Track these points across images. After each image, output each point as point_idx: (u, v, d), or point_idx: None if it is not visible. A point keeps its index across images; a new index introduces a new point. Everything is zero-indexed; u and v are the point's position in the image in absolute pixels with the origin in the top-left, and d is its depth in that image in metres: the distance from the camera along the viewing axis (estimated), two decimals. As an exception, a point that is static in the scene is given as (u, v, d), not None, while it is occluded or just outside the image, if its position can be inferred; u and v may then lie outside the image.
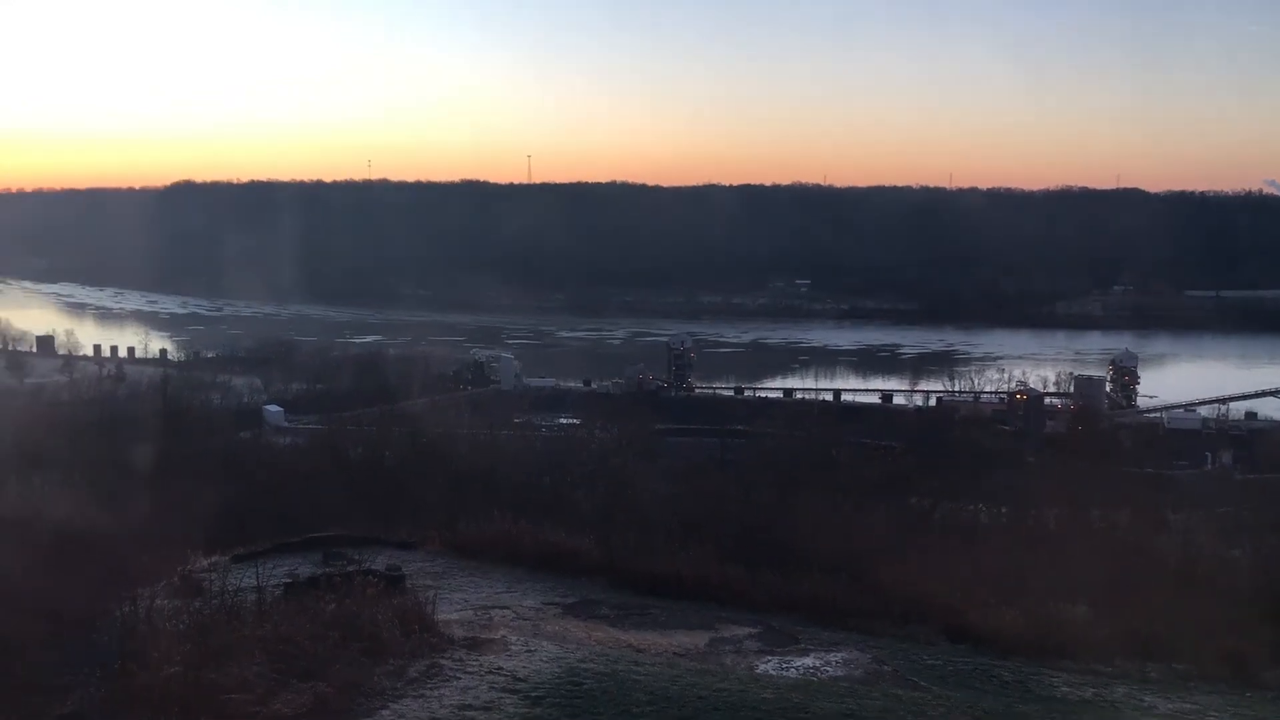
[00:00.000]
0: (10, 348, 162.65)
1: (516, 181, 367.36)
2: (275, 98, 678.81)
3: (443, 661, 13.79)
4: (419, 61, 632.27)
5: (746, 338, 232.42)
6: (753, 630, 19.50)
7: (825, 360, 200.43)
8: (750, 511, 43.12)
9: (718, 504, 46.32)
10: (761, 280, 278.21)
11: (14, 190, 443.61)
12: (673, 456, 78.78)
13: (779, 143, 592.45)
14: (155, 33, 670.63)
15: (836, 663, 17.37)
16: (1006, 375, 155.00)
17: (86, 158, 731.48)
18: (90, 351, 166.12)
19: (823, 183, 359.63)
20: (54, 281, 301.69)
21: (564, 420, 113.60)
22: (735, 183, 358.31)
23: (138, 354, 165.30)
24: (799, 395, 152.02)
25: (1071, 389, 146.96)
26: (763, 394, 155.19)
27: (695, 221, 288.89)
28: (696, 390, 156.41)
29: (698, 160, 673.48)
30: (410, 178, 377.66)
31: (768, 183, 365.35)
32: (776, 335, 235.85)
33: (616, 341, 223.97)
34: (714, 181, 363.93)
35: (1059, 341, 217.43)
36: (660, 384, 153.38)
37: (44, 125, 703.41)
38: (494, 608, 19.22)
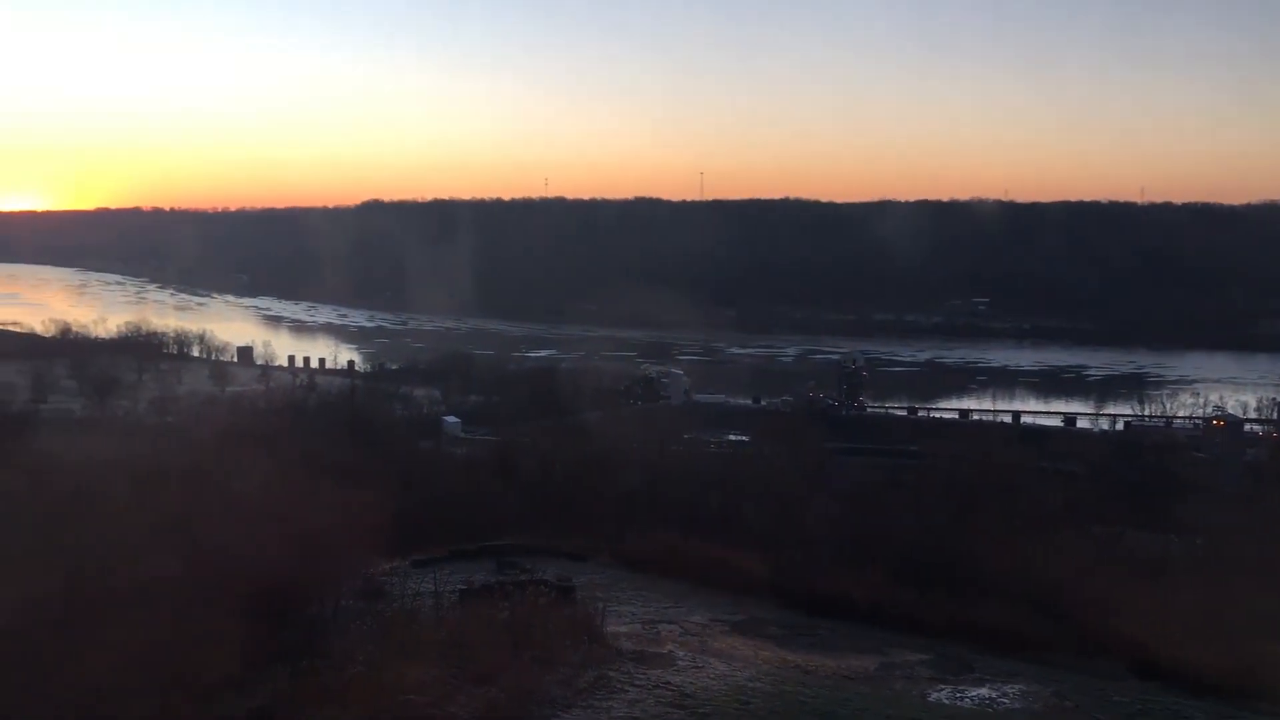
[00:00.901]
0: (214, 358, 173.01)
1: (689, 199, 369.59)
2: (457, 120, 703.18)
3: (611, 673, 13.95)
4: (595, 82, 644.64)
5: (922, 357, 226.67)
6: (924, 656, 18.98)
7: (1005, 381, 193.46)
8: (923, 535, 41.94)
9: (889, 526, 45.22)
10: (937, 298, 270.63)
11: (219, 209, 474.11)
12: (843, 476, 77.32)
13: (959, 156, 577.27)
14: (349, 64, 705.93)
15: (1014, 694, 16.73)
16: (1202, 400, 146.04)
17: (285, 178, 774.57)
18: (285, 362, 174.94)
19: (1004, 197, 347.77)
20: (254, 295, 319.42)
21: (732, 437, 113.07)
22: (911, 198, 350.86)
23: (328, 365, 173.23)
24: (976, 417, 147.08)
25: (1275, 415, 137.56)
26: (937, 414, 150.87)
27: (870, 238, 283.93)
28: (868, 409, 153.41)
29: (872, 176, 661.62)
30: (586, 195, 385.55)
31: (945, 198, 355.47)
32: (953, 355, 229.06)
33: (787, 359, 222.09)
34: (889, 197, 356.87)
35: (1262, 365, 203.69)
36: (831, 402, 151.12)
37: (247, 149, 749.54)
38: (661, 622, 19.30)
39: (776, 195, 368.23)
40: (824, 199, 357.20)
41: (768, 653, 17.47)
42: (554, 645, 14.17)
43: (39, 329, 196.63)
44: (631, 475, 62.12)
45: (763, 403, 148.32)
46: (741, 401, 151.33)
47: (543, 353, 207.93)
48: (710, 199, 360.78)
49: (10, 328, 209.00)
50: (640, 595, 22.38)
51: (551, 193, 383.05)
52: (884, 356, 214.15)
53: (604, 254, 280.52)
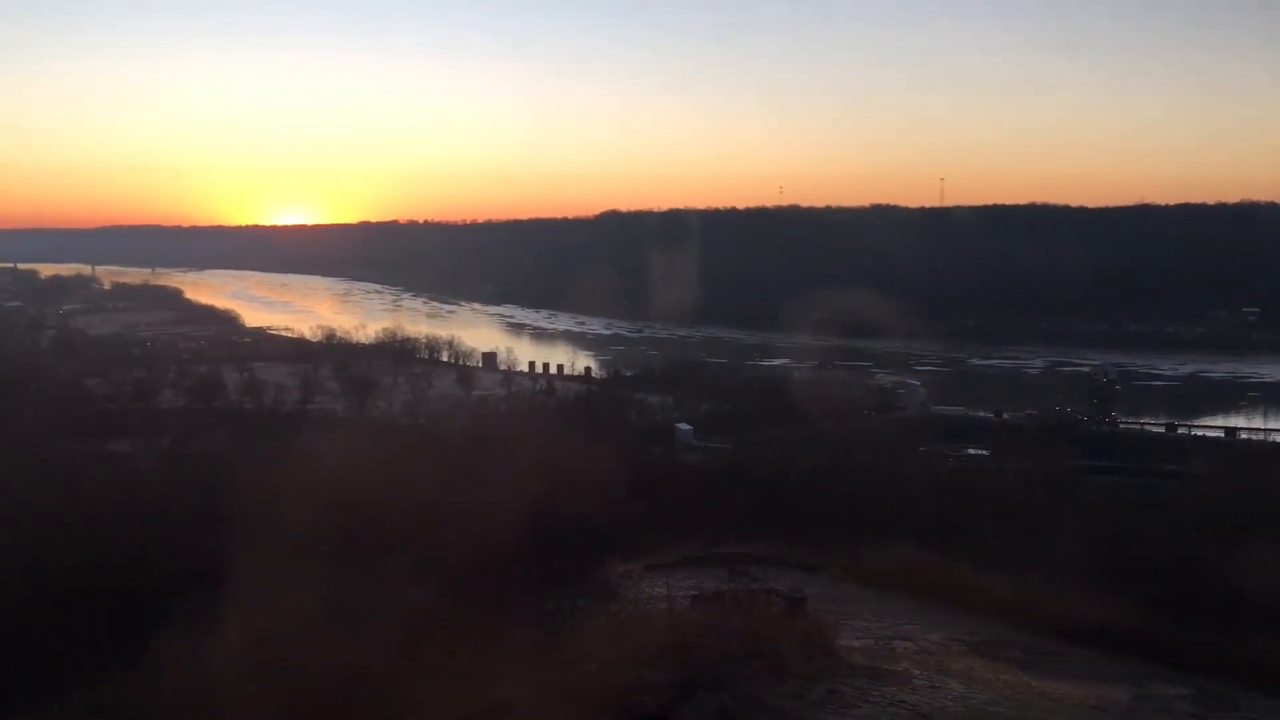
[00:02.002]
0: (461, 363, 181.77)
1: (928, 205, 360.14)
2: (692, 130, 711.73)
3: (843, 688, 13.66)
4: (833, 89, 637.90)
5: (1183, 370, 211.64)
6: (1184, 691, 17.64)
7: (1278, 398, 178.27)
8: (1183, 560, 39.12)
9: (1144, 549, 42.42)
10: (1200, 307, 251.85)
11: (468, 221, 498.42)
12: (1092, 495, 73.29)
13: (1229, 155, 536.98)
14: (588, 81, 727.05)
15: (1285, 738, 15.35)
16: None
17: (529, 191, 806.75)
18: (526, 367, 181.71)
19: (1278, 200, 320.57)
20: (498, 303, 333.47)
21: (972, 451, 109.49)
22: (1172, 201, 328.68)
23: (566, 371, 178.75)
24: (1244, 435, 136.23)
25: None
26: (1200, 432, 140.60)
27: (1124, 244, 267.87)
28: (1120, 425, 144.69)
29: (1129, 178, 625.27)
30: (820, 203, 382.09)
31: (1210, 200, 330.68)
32: (1219, 368, 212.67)
33: (1033, 371, 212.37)
34: (1147, 200, 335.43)
35: None
36: (1080, 417, 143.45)
37: (494, 164, 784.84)
38: (895, 638, 18.78)
39: (1021, 201, 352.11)
40: (1074, 204, 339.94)
41: (1009, 676, 16.65)
42: (785, 656, 13.99)
43: (307, 334, 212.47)
44: (866, 487, 61.02)
45: (1005, 416, 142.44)
46: (982, 414, 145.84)
47: (776, 361, 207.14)
48: (951, 205, 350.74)
49: (283, 333, 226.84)
50: (874, 610, 21.82)
51: (786, 201, 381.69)
52: (1140, 370, 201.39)
53: (839, 262, 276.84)
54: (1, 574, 36.79)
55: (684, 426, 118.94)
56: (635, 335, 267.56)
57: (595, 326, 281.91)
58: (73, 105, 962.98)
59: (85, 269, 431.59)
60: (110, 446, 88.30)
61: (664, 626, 14.52)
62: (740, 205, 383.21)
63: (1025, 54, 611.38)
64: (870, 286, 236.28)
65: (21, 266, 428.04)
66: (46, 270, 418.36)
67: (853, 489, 59.47)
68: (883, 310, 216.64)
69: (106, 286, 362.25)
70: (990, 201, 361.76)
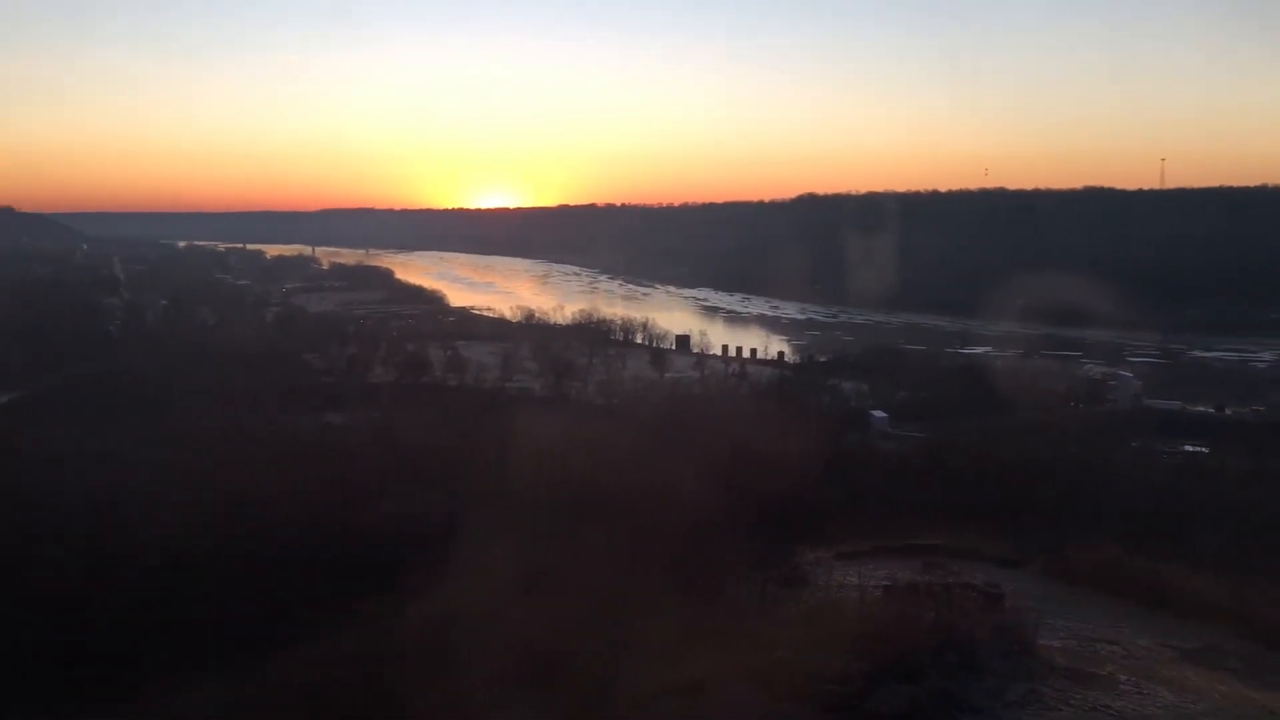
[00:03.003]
0: (654, 345, 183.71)
1: (1147, 187, 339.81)
2: (891, 112, 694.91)
3: (1043, 689, 13.21)
4: (1038, 63, 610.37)
5: None
6: None
7: None
8: None
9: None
10: None
11: (664, 204, 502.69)
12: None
13: None
14: (777, 63, 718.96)
15: None
16: None
17: (725, 174, 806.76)
18: (719, 351, 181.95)
19: None
20: (693, 286, 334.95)
21: (1189, 448, 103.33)
22: None
23: (759, 355, 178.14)
24: None
25: None
26: None
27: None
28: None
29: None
30: (1028, 185, 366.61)
31: None
32: None
33: (1261, 364, 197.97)
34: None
35: None
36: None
37: (689, 147, 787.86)
38: (1101, 641, 17.98)
39: (1251, 183, 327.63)
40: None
41: (1225, 687, 15.70)
42: (981, 652, 13.62)
43: (508, 314, 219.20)
44: (1072, 481, 58.60)
45: (1228, 411, 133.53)
46: (1202, 409, 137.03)
47: (977, 349, 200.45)
48: (1172, 188, 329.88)
49: (485, 313, 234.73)
50: (1077, 610, 20.90)
51: (991, 183, 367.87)
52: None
53: (1047, 247, 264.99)
54: (229, 537, 39.69)
55: (879, 413, 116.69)
56: (830, 320, 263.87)
57: (790, 311, 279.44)
58: (295, 98, 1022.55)
59: (306, 250, 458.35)
60: (326, 418, 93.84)
61: (855, 616, 14.37)
62: (942, 188, 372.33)
63: (1252, 28, 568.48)
64: (1081, 273, 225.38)
65: (250, 247, 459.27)
66: (272, 251, 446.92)
67: (1057, 483, 57.25)
68: (1095, 298, 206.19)
69: (324, 266, 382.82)
70: (1215, 183, 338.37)
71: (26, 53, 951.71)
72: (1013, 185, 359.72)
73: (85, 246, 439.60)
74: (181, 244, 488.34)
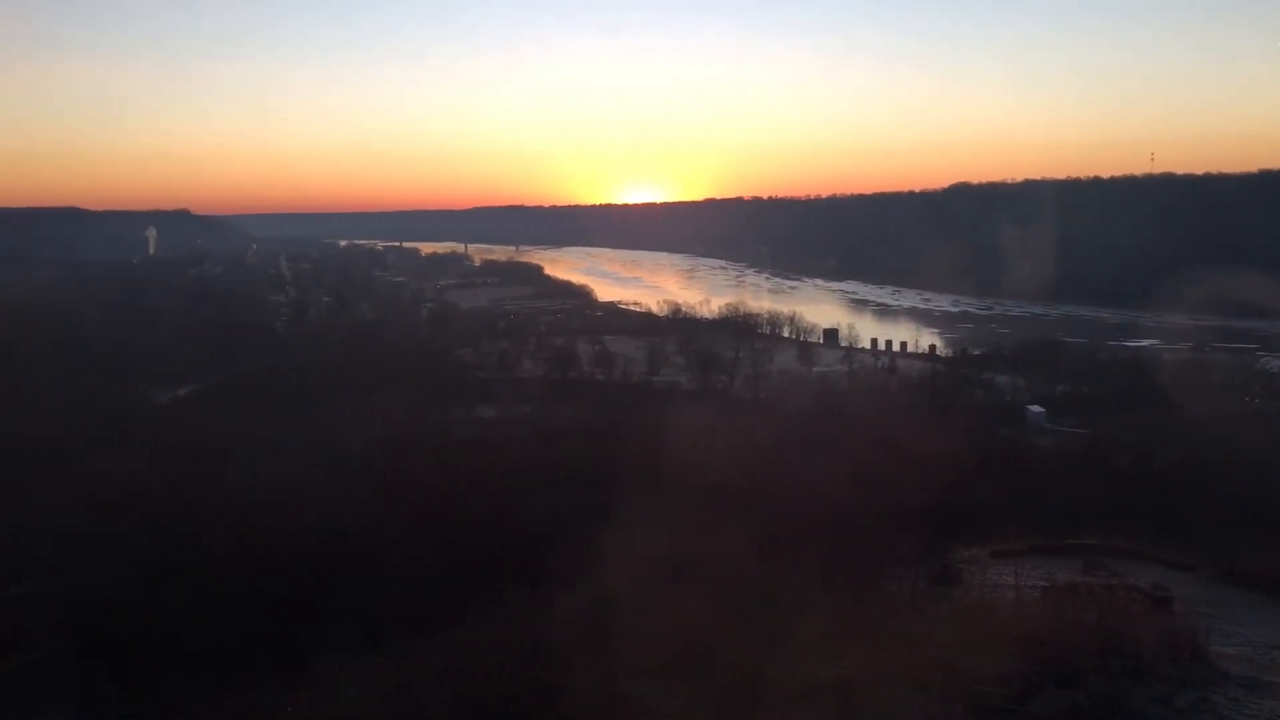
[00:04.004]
0: (801, 339, 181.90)
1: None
2: (1047, 98, 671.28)
3: (1215, 697, 12.54)
4: (1209, 42, 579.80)
5: None
6: None
7: None
8: None
9: None
10: None
11: (811, 197, 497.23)
12: None
13: None
14: (930, 54, 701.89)
15: None
16: None
17: (871, 166, 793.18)
18: (868, 344, 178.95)
19: None
20: (841, 279, 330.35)
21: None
22: None
23: (909, 349, 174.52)
24: None
25: None
26: None
27: None
28: None
29: None
30: (1198, 170, 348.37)
31: None
32: None
33: None
34: None
35: None
36: None
37: (837, 141, 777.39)
38: (1278, 649, 16.99)
39: None
40: None
41: None
42: (1147, 658, 13.01)
43: (654, 309, 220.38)
44: (1245, 481, 55.56)
45: None
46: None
47: (1142, 342, 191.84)
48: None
49: (632, 307, 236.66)
50: (1251, 616, 19.81)
51: (1157, 169, 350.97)
52: None
53: (1219, 234, 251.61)
54: (387, 526, 41.04)
55: (1036, 409, 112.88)
56: (984, 313, 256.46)
57: (942, 303, 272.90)
58: (447, 100, 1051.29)
59: (459, 247, 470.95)
60: (477, 412, 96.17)
61: (1011, 616, 13.92)
62: (1104, 174, 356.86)
63: None
64: (1260, 263, 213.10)
65: (406, 245, 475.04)
66: (426, 248, 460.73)
67: (1230, 482, 54.42)
68: (1273, 288, 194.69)
69: (476, 263, 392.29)
70: None
71: (205, 63, 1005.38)
72: (1181, 170, 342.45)
73: (255, 246, 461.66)
74: (343, 243, 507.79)
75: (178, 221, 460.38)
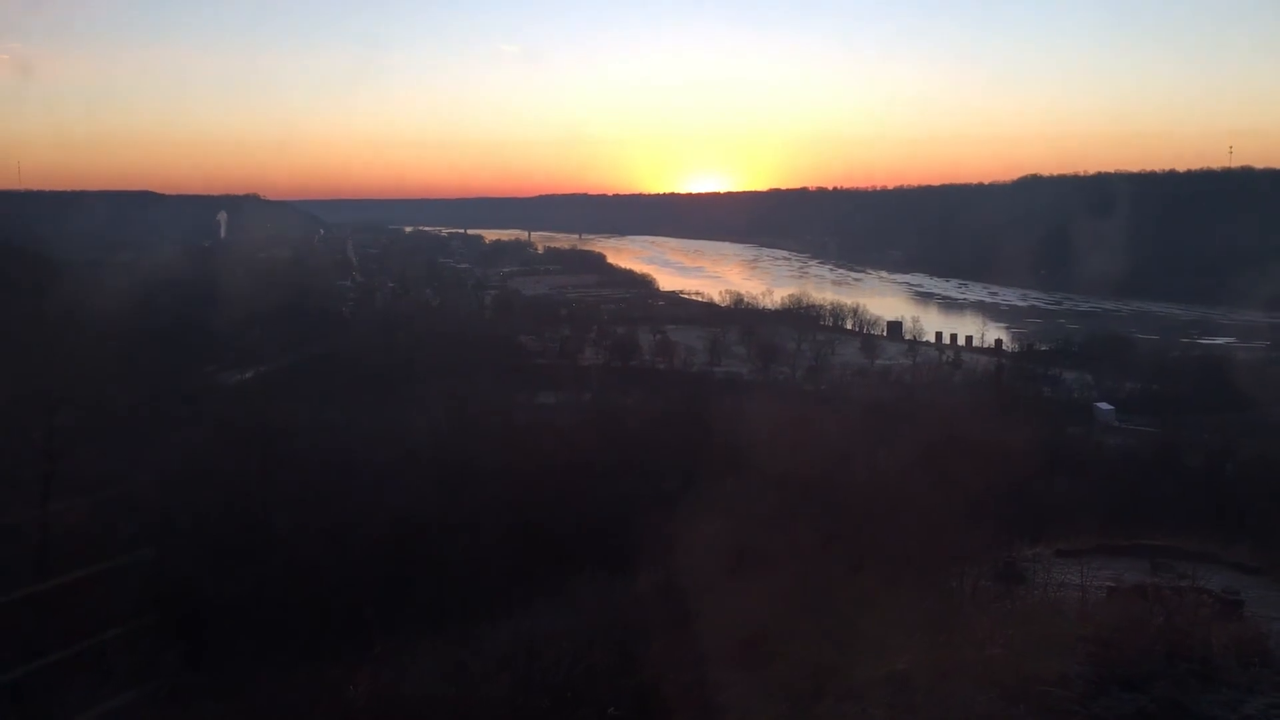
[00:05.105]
0: (865, 331, 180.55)
1: None
2: (1124, 89, 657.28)
3: (1286, 705, 12.35)
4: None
5: None
6: None
7: None
8: None
9: None
10: None
11: (877, 188, 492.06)
12: None
13: None
14: (1003, 38, 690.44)
15: None
16: None
17: (943, 155, 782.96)
18: (932, 338, 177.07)
19: None
20: (906, 271, 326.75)
21: None
22: None
23: (975, 343, 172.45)
24: None
25: None
26: None
27: None
28: None
29: None
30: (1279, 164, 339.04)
31: None
32: None
33: None
34: None
35: None
36: None
37: (905, 129, 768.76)
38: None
39: None
40: None
41: None
42: (1215, 662, 12.85)
43: (716, 299, 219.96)
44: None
45: None
46: None
47: (1217, 339, 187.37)
48: None
49: (694, 297, 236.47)
50: (1327, 623, 19.40)
51: (1236, 162, 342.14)
52: None
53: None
54: (451, 509, 41.59)
55: (1104, 406, 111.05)
56: (1053, 307, 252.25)
57: (1009, 297, 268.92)
58: (514, 88, 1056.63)
59: (522, 234, 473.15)
60: (539, 398, 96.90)
61: (1076, 617, 13.81)
62: (1180, 168, 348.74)
63: None
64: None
65: (470, 232, 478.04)
66: (490, 235, 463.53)
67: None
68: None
69: (539, 250, 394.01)
70: None
71: (271, 52, 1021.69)
72: (1261, 164, 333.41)
73: (322, 232, 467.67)
74: (408, 229, 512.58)
75: (248, 206, 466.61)
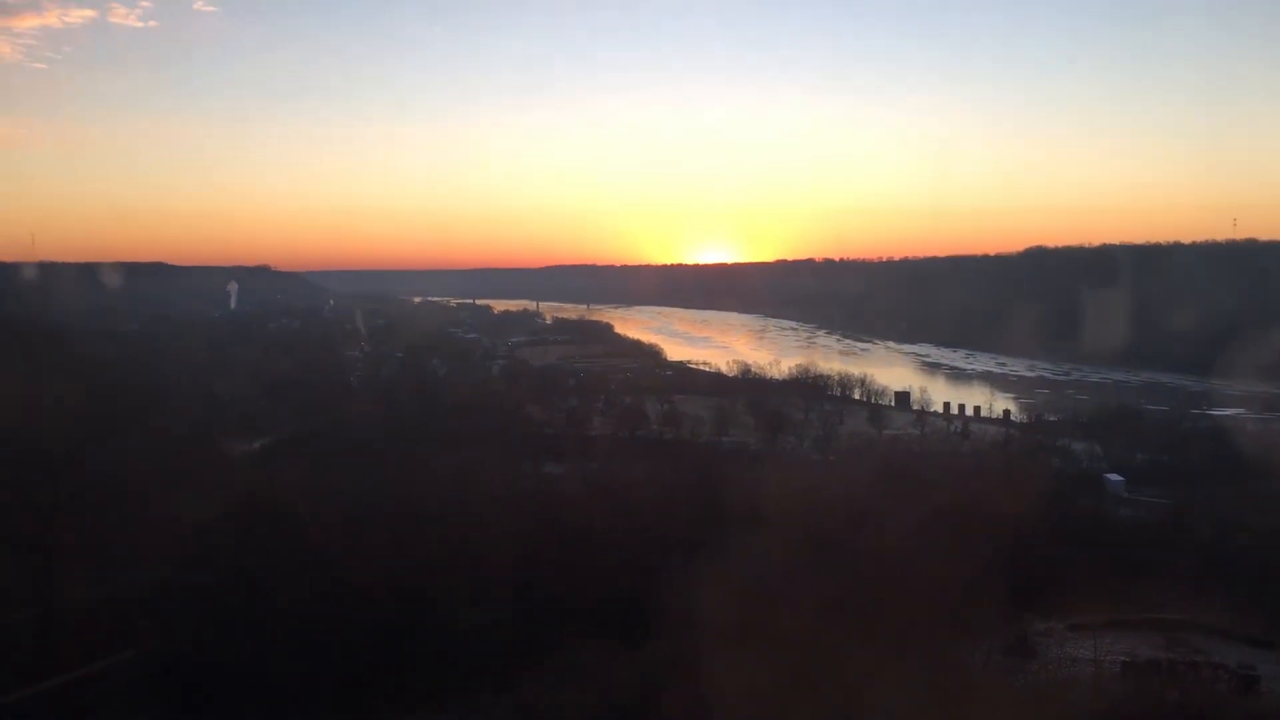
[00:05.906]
0: (873, 401, 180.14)
1: None
2: (1127, 162, 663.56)
3: (1306, 785, 12.06)
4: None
5: None
6: None
7: None
8: None
9: None
10: None
11: (883, 259, 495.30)
12: None
13: None
14: (1006, 116, 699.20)
15: None
16: None
17: (947, 228, 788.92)
18: (940, 408, 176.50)
19: None
20: (913, 342, 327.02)
21: None
22: None
23: (983, 413, 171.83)
24: None
25: None
26: None
27: None
28: None
29: None
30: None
31: None
32: None
33: None
34: None
35: None
36: None
37: (910, 201, 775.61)
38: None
39: None
40: None
41: None
42: (1233, 739, 12.57)
43: (723, 369, 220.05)
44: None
45: None
46: None
47: (1226, 410, 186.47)
48: None
49: (701, 367, 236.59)
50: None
51: (1240, 234, 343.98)
52: None
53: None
54: (455, 579, 41.22)
55: (1114, 477, 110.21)
56: (1061, 378, 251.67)
57: (1017, 368, 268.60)
58: (520, 159, 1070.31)
59: (530, 305, 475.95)
60: (545, 468, 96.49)
61: (1090, 693, 13.55)
62: (1185, 239, 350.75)
63: None
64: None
65: (479, 302, 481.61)
66: (499, 306, 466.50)
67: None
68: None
69: (548, 321, 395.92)
70: None
71: (284, 124, 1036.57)
72: (1266, 236, 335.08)
73: (332, 302, 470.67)
74: (417, 299, 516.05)
75: (258, 277, 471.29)
